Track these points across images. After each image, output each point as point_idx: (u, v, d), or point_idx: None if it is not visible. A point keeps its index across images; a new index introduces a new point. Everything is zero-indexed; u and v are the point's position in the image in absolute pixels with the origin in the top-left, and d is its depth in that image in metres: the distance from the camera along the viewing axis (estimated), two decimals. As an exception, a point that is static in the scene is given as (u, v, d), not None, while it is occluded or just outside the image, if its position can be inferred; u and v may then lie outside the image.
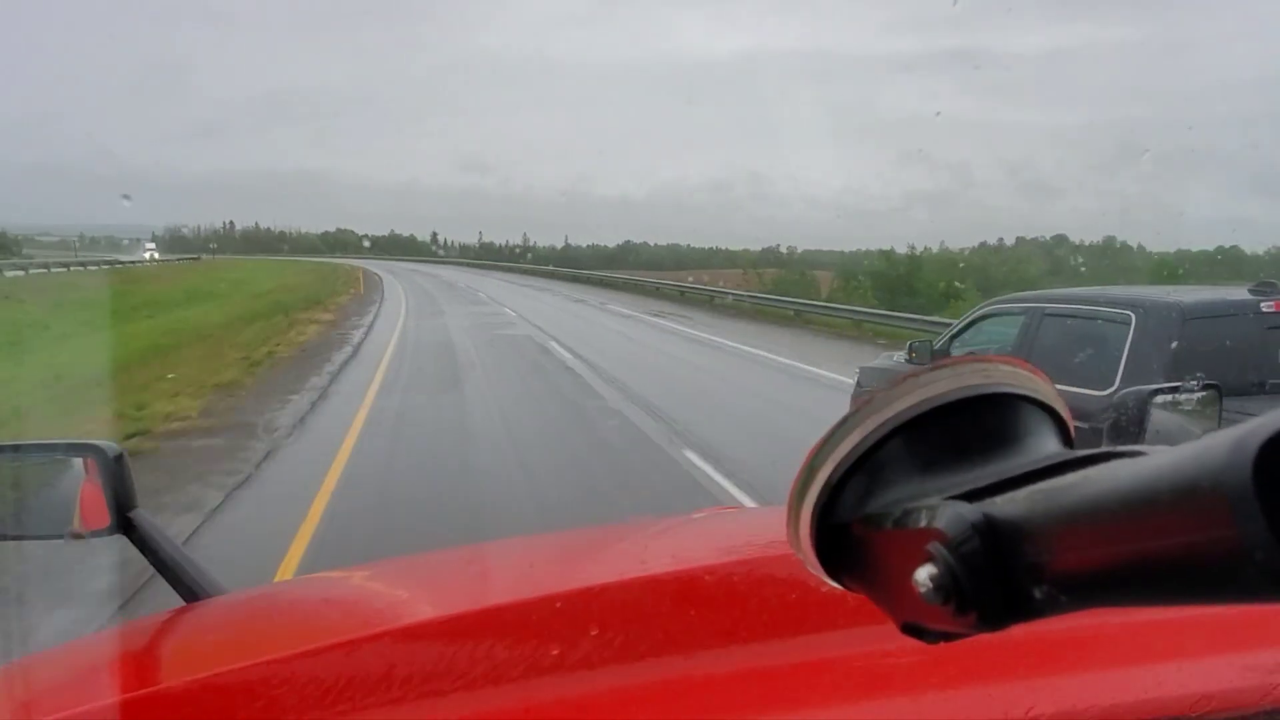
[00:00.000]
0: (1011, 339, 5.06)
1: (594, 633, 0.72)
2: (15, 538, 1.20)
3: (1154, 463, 0.28)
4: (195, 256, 75.49)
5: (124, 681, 0.80)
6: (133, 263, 54.11)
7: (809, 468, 0.38)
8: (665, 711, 0.70)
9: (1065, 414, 0.39)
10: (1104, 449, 0.33)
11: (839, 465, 0.38)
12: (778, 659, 0.72)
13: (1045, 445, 0.38)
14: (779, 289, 26.02)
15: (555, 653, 0.70)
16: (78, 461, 1.16)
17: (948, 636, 0.35)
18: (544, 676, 0.70)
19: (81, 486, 1.15)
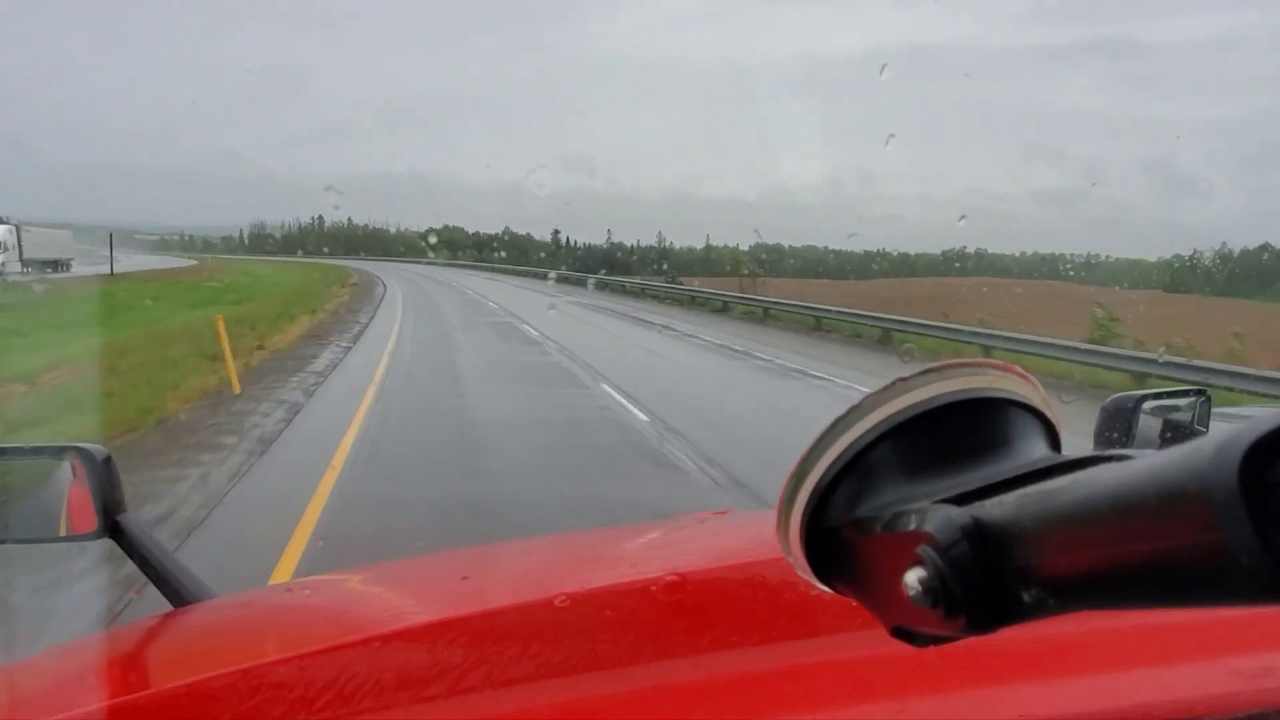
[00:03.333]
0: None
1: (586, 637, 0.71)
2: (0, 541, 1.19)
3: (1141, 466, 0.29)
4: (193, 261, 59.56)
5: (112, 686, 0.79)
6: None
7: (799, 472, 0.38)
8: (658, 716, 0.70)
9: (1054, 419, 0.40)
10: (1092, 453, 0.33)
11: (829, 469, 0.38)
12: (769, 663, 0.72)
13: (1034, 449, 0.38)
14: None
15: (547, 658, 0.70)
16: (65, 465, 1.15)
17: (937, 640, 0.35)
18: (536, 681, 0.70)
19: (69, 490, 1.14)
